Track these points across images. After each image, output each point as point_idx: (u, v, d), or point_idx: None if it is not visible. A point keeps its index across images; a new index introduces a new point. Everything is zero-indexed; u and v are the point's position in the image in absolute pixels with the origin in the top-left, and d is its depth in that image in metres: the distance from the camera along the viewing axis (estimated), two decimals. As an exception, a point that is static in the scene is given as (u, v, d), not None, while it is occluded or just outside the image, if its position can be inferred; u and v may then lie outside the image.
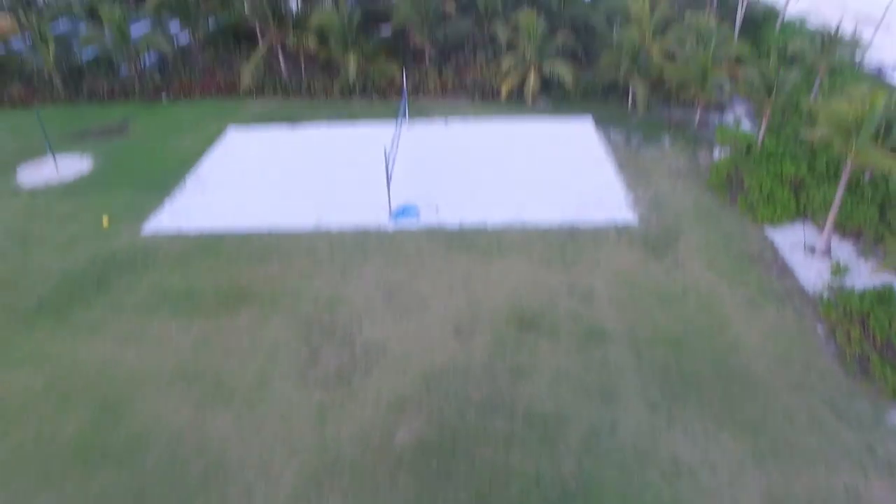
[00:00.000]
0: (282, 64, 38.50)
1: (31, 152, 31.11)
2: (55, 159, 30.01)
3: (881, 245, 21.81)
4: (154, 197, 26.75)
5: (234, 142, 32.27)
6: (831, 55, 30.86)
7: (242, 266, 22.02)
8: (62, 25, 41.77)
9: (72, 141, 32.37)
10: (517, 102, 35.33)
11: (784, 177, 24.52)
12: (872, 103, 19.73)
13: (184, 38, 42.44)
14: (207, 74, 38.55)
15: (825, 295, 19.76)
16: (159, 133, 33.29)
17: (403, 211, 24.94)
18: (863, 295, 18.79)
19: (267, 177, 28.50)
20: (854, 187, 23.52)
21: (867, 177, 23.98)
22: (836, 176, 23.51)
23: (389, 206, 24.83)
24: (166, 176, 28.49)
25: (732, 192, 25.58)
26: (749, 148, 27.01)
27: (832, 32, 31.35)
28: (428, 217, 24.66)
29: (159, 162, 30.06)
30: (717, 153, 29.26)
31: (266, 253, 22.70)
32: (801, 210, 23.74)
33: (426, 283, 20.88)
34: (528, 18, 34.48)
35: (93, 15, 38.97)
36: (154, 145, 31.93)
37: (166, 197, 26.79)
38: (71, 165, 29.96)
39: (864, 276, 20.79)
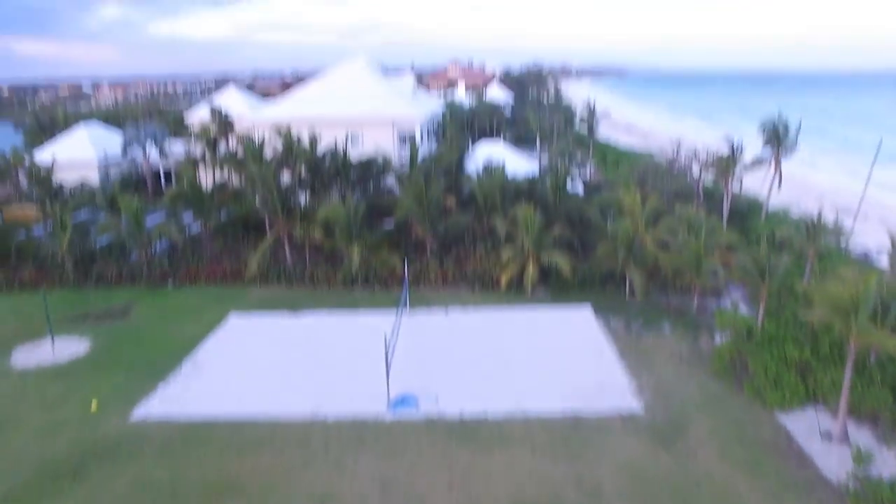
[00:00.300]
0: (287, 253, 39.96)
1: (31, 334, 31.26)
2: (53, 341, 30.05)
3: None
4: (148, 381, 26.29)
5: (235, 328, 32.46)
6: (818, 241, 31.99)
7: (233, 456, 21.00)
8: (83, 214, 44.15)
9: (73, 323, 32.62)
10: (516, 292, 35.96)
11: (789, 360, 24.19)
12: (866, 284, 20.06)
13: (195, 226, 44.54)
14: (214, 262, 39.90)
15: (851, 486, 18.51)
16: (161, 318, 33.63)
17: (402, 401, 24.32)
18: (893, 485, 17.62)
19: (265, 363, 28.25)
20: (861, 369, 23.11)
21: (872, 358, 23.69)
22: (842, 358, 23.18)
23: (388, 396, 24.25)
24: (163, 360, 28.25)
25: (737, 377, 25.12)
26: (750, 332, 27.00)
27: (816, 220, 32.77)
28: (427, 407, 23.95)
29: (157, 346, 30.00)
30: (717, 338, 29.18)
31: (259, 442, 21.76)
32: (811, 394, 23.11)
33: (424, 478, 19.73)
34: (526, 212, 36.32)
35: (113, 206, 41.27)
36: (154, 330, 32.10)
37: (160, 381, 26.31)
38: (68, 348, 29.90)
39: (890, 463, 19.65)
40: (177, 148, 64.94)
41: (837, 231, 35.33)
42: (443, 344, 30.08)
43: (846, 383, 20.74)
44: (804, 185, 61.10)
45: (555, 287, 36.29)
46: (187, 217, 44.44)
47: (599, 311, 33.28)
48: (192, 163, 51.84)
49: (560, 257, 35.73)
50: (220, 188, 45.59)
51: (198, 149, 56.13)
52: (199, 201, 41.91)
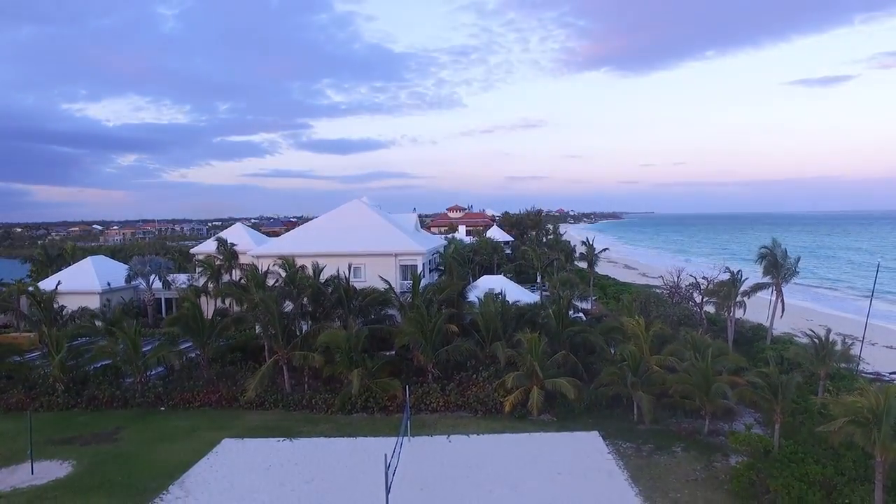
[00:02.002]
0: (286, 378, 39.04)
1: (10, 458, 29.77)
2: (32, 464, 28.49)
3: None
4: (130, 505, 24.69)
5: (228, 452, 30.90)
6: (828, 361, 31.40)
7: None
8: (81, 340, 43.59)
9: (57, 446, 31.17)
10: (520, 418, 34.73)
11: (812, 479, 22.80)
12: (888, 395, 19.46)
13: (192, 352, 43.81)
14: (210, 386, 38.82)
15: None
16: (151, 441, 32.15)
17: (401, 526, 22.68)
18: None
19: (258, 489, 26.62)
20: (892, 488, 21.71)
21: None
22: (868, 475, 21.90)
23: (387, 522, 22.66)
24: (149, 484, 26.72)
25: (759, 498, 23.54)
26: (767, 451, 25.73)
27: (824, 340, 32.39)
28: (428, 533, 22.31)
29: (145, 470, 28.44)
30: (732, 460, 27.72)
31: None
32: (839, 514, 21.56)
33: None
34: (531, 338, 36.01)
35: (111, 331, 40.87)
36: (143, 453, 30.57)
37: (143, 505, 24.75)
38: (48, 470, 28.33)
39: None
40: (181, 279, 65.69)
41: (846, 352, 34.75)
42: (445, 471, 28.51)
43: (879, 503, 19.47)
44: (805, 314, 61.17)
45: (560, 412, 35.11)
46: (185, 343, 43.92)
47: (607, 435, 31.95)
48: (195, 290, 52.10)
49: (565, 382, 34.86)
50: (222, 313, 45.48)
51: (201, 278, 56.75)
52: (198, 326, 41.62)
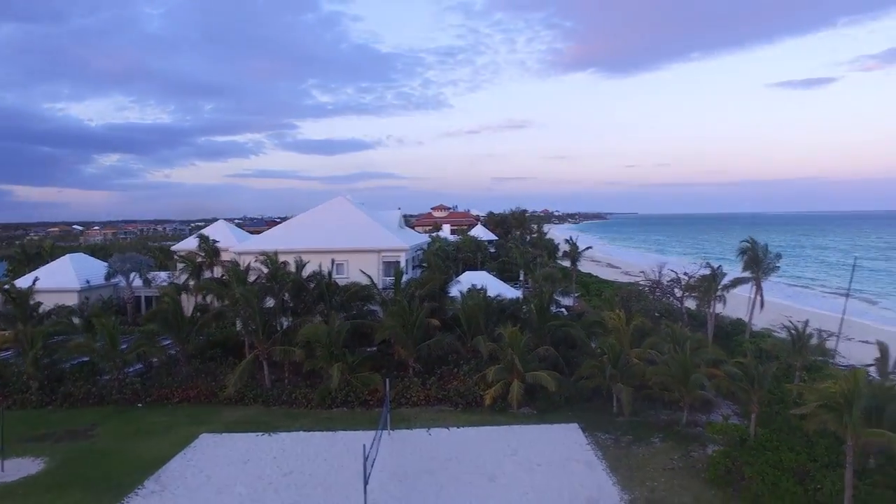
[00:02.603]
0: (265, 373, 38.79)
1: (-18, 456, 29.24)
2: (2, 462, 27.99)
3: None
4: (106, 500, 24.41)
5: (205, 447, 30.62)
6: (805, 352, 31.75)
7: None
8: (57, 337, 42.88)
9: (30, 444, 30.71)
10: (501, 411, 34.77)
11: (785, 466, 23.08)
12: (857, 379, 19.71)
13: (172, 348, 43.36)
14: (189, 382, 38.45)
15: None
16: (127, 437, 31.77)
17: (379, 517, 22.60)
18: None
19: (236, 483, 26.40)
20: (864, 473, 22.02)
21: (872, 461, 22.69)
22: (839, 462, 22.20)
23: (365, 515, 22.56)
24: (125, 478, 26.41)
25: (734, 486, 23.76)
26: (743, 440, 26.01)
27: (801, 332, 32.76)
28: (407, 524, 22.25)
29: (120, 465, 28.10)
30: (709, 449, 27.94)
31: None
32: (811, 500, 21.82)
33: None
34: (512, 332, 36.07)
35: (89, 327, 40.28)
36: (118, 449, 30.20)
37: (120, 500, 24.45)
38: (20, 467, 27.88)
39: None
40: (161, 277, 65.07)
41: (822, 345, 35.16)
42: (424, 463, 28.45)
43: (848, 487, 19.72)
44: (783, 310, 61.83)
45: (541, 405, 35.18)
46: (166, 340, 43.48)
47: (587, 427, 32.07)
48: (175, 287, 51.60)
49: (545, 375, 34.95)
50: (202, 309, 45.09)
51: (183, 275, 56.25)
52: (177, 322, 41.22)
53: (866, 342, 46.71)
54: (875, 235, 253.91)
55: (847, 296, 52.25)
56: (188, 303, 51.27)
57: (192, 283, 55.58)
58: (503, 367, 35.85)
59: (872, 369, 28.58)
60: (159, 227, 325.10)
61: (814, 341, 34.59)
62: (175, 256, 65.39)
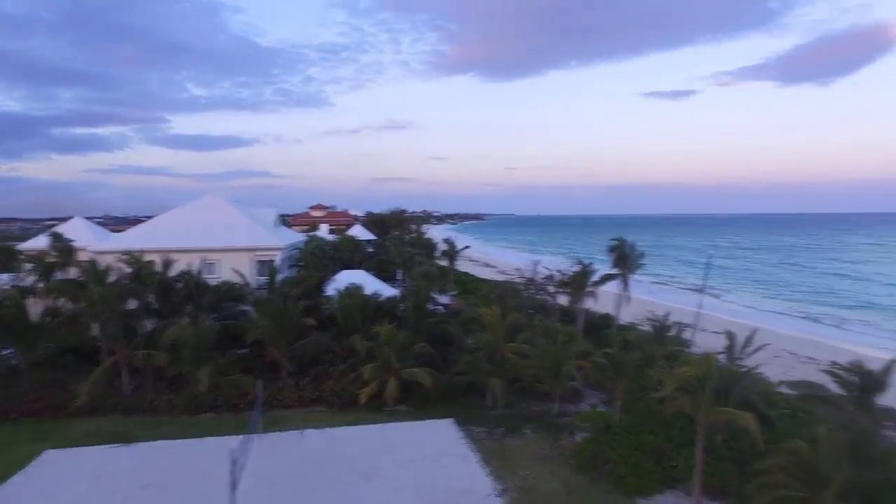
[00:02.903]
0: (124, 380, 36.07)
1: None
2: None
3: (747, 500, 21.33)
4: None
5: (50, 465, 27.85)
6: (666, 343, 33.79)
7: None
8: None
9: None
10: (377, 409, 34.39)
11: (646, 448, 24.46)
12: (708, 363, 21.13)
13: (14, 357, 39.33)
14: (32, 394, 34.92)
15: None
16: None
17: (246, 523, 21.52)
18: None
19: (83, 501, 24.27)
20: (712, 449, 23.73)
21: (719, 438, 24.51)
22: (693, 441, 23.77)
23: (231, 521, 21.41)
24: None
25: (599, 469, 24.88)
26: (609, 426, 27.28)
27: (662, 323, 34.87)
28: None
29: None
30: (578, 437, 29.09)
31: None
32: (667, 476, 23.31)
33: None
34: (388, 329, 35.76)
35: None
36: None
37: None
38: None
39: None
40: (2, 279, 58.99)
41: (680, 335, 37.69)
42: (297, 465, 27.50)
43: (698, 463, 21.13)
44: (647, 306, 65.87)
45: (417, 402, 35.14)
46: (6, 349, 39.35)
47: (462, 421, 32.36)
48: (19, 290, 46.92)
49: (421, 372, 34.98)
50: (52, 313, 41.22)
51: (30, 277, 51.20)
52: (21, 329, 37.39)
53: (718, 332, 50.63)
54: (726, 236, 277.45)
55: (702, 291, 56.39)
56: (36, 307, 46.76)
57: (40, 285, 50.75)
58: (379, 366, 35.52)
59: (723, 356, 30.92)
60: (2, 226, 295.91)
61: (672, 332, 36.96)
62: (20, 256, 59.48)
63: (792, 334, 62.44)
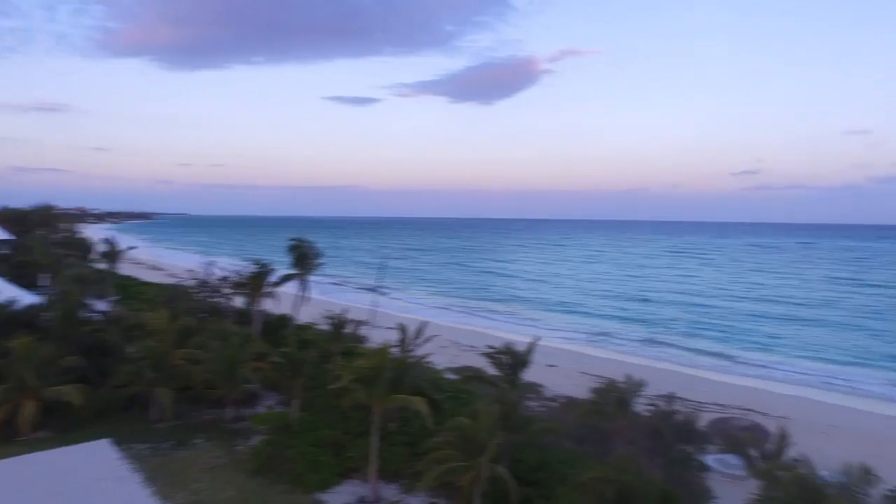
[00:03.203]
0: None
1: None
2: None
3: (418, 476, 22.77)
4: None
5: None
6: (343, 339, 34.49)
7: None
8: None
9: None
10: (6, 441, 28.49)
11: (324, 443, 24.51)
12: (382, 355, 21.92)
13: None
14: None
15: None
16: None
17: None
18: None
19: None
20: (386, 436, 24.75)
21: (393, 425, 25.73)
22: (369, 431, 24.54)
23: None
24: None
25: (277, 469, 24.22)
26: (287, 425, 26.69)
27: (339, 321, 35.54)
28: None
29: None
30: (254, 440, 27.96)
31: None
32: (345, 468, 23.73)
33: None
34: (26, 343, 30.06)
35: None
36: None
37: None
38: None
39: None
40: None
41: (356, 332, 38.84)
42: None
43: (373, 451, 21.90)
44: (325, 305, 67.11)
45: (64, 425, 30.12)
46: None
47: (122, 440, 28.64)
48: None
49: (71, 390, 30.07)
50: None
51: None
52: None
53: (390, 328, 53.76)
54: (397, 238, 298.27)
55: (376, 290, 59.28)
56: None
57: None
58: (13, 387, 29.62)
59: (396, 349, 32.66)
60: None
61: (349, 329, 37.98)
62: None
63: (455, 326, 69.30)
